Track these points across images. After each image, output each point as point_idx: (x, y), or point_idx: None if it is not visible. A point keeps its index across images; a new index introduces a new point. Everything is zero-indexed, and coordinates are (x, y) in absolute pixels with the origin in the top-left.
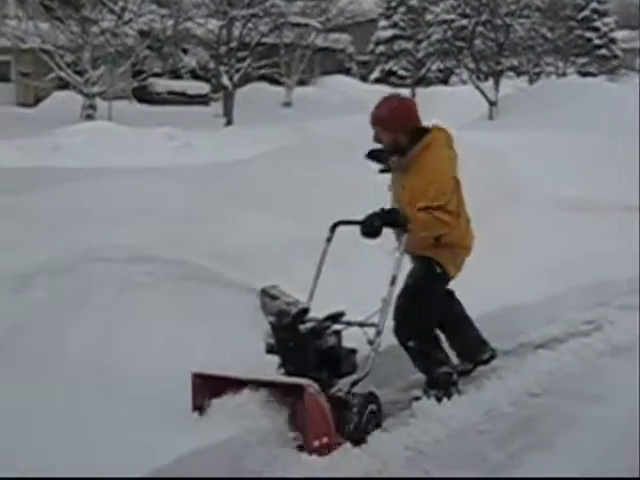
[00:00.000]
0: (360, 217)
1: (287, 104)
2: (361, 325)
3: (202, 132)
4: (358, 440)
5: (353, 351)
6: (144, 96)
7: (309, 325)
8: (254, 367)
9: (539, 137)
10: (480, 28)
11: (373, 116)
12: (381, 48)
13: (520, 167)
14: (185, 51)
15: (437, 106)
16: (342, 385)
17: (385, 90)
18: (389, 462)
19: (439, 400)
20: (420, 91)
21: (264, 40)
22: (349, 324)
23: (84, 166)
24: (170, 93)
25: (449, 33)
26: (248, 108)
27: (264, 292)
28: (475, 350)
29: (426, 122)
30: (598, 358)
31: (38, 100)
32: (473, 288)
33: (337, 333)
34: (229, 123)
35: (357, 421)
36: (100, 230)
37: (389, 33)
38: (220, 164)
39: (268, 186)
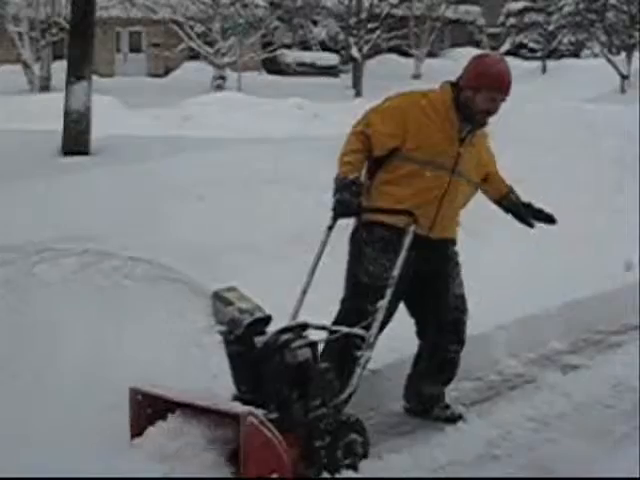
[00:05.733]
0: None
1: (416, 76)
2: (347, 336)
3: (331, 103)
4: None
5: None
6: (273, 67)
7: (267, 337)
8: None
9: None
10: (613, 0)
11: (506, 83)
12: (511, 20)
13: None
14: (315, 22)
15: (568, 79)
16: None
17: (515, 63)
18: (513, 432)
19: None
20: (551, 64)
21: (394, 11)
22: (333, 332)
23: (214, 136)
24: (299, 64)
25: (581, 5)
26: (377, 80)
27: (216, 296)
28: None
29: (557, 95)
30: None
31: (168, 70)
32: (601, 264)
33: (312, 345)
34: (358, 94)
35: (328, 454)
36: (230, 198)
37: (520, 5)
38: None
39: None
